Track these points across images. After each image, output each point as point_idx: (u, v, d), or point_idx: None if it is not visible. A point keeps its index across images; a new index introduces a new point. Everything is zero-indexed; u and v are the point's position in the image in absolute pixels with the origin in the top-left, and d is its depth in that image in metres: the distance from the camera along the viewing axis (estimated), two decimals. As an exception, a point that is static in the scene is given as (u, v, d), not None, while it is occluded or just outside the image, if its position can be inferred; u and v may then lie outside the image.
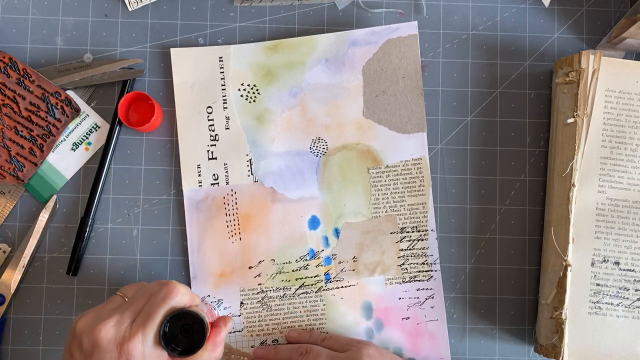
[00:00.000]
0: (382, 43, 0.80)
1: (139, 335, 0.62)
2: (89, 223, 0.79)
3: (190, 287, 0.78)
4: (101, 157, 0.79)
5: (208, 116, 0.80)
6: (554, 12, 0.83)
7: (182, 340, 0.65)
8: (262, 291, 0.79)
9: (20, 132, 0.76)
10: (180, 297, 0.66)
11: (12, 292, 0.78)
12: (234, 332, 0.79)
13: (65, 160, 0.79)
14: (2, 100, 0.76)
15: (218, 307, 0.78)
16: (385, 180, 0.80)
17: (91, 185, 0.79)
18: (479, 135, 0.82)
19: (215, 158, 0.79)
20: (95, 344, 0.62)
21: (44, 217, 0.78)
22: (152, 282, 0.68)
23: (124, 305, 0.66)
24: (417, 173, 0.80)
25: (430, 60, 0.82)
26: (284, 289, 0.79)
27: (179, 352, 0.65)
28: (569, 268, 0.74)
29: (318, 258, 0.79)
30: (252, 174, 0.79)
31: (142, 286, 0.68)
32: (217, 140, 0.80)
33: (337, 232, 0.79)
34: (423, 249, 0.79)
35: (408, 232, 0.79)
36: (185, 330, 0.66)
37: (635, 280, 0.75)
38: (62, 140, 0.79)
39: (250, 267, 0.79)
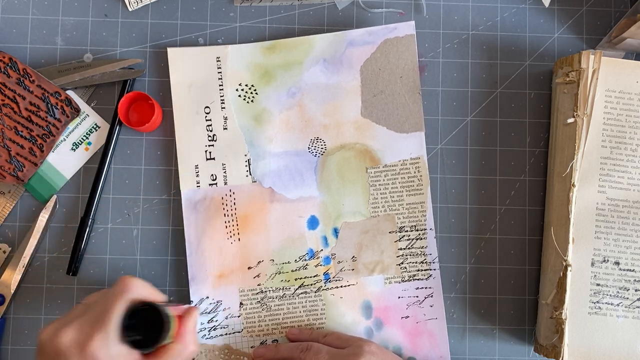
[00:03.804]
0: (380, 43, 0.80)
1: (100, 334, 0.61)
2: (89, 223, 0.79)
3: (189, 288, 0.79)
4: (101, 157, 0.79)
5: (206, 116, 0.80)
6: (554, 12, 0.83)
7: (149, 336, 0.64)
8: (262, 291, 0.79)
9: (20, 132, 0.76)
10: (136, 289, 0.65)
11: (12, 292, 0.78)
12: (233, 332, 0.79)
13: (65, 160, 0.80)
14: (2, 100, 0.76)
15: (217, 308, 0.79)
16: (383, 180, 0.80)
17: (91, 185, 0.79)
18: (479, 135, 0.82)
19: (213, 158, 0.79)
20: (58, 350, 0.61)
21: (44, 217, 0.78)
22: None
23: (84, 310, 0.65)
24: (415, 172, 0.80)
25: (430, 60, 0.82)
26: (283, 289, 0.79)
27: (144, 346, 0.64)
28: (569, 268, 0.74)
29: (317, 258, 0.79)
30: (250, 174, 0.79)
31: (104, 292, 0.67)
32: (215, 141, 0.80)
33: (336, 231, 0.79)
34: (422, 247, 0.79)
35: (407, 231, 0.79)
36: (151, 325, 0.64)
37: (635, 280, 0.75)
38: (62, 140, 0.79)
39: (249, 268, 0.79)
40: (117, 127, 0.80)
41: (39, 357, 0.64)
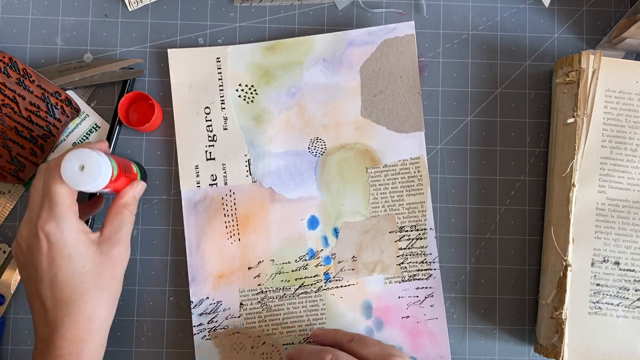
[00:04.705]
0: (380, 43, 0.80)
1: (45, 212, 0.65)
2: (90, 223, 0.79)
3: (189, 289, 0.79)
4: (101, 157, 0.79)
5: (206, 117, 0.80)
6: (554, 12, 0.83)
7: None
8: (262, 292, 0.79)
9: (20, 132, 0.76)
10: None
11: (12, 292, 0.78)
12: (234, 333, 0.79)
13: (65, 160, 0.80)
14: (2, 100, 0.76)
15: (217, 309, 0.78)
16: (383, 180, 0.80)
17: (91, 185, 0.79)
18: (479, 135, 0.82)
19: (214, 159, 0.79)
20: (20, 249, 0.68)
21: (44, 217, 0.78)
22: None
23: (28, 206, 0.69)
24: (415, 172, 0.80)
25: (430, 60, 0.82)
26: (283, 289, 0.79)
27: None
28: (569, 268, 0.74)
29: (317, 258, 0.79)
30: (250, 174, 0.79)
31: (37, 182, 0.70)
32: (215, 141, 0.80)
33: (336, 231, 0.79)
34: (422, 247, 0.79)
35: (407, 231, 0.79)
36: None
37: (635, 280, 0.75)
38: (62, 140, 0.79)
39: (249, 268, 0.79)
40: (117, 127, 0.79)
41: (21, 271, 0.69)
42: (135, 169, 0.75)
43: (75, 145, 0.77)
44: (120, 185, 0.71)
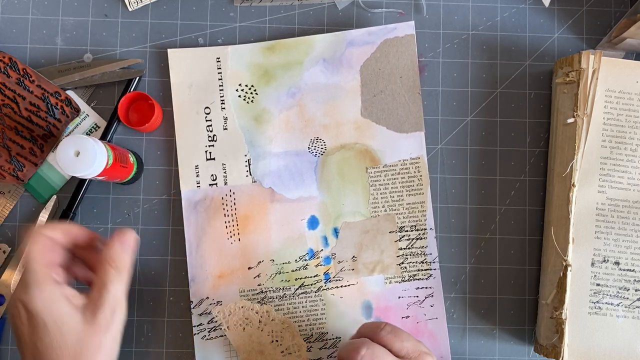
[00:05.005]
0: (380, 43, 0.80)
1: (30, 288, 0.61)
2: (73, 209, 0.79)
3: (189, 289, 0.79)
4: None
5: (206, 117, 0.80)
6: (554, 12, 0.83)
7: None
8: (262, 292, 0.79)
9: (20, 132, 0.76)
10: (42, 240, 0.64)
11: (12, 292, 0.78)
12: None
13: (65, 160, 0.80)
14: (2, 100, 0.76)
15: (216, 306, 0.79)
16: (383, 180, 0.80)
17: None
18: (479, 135, 0.82)
19: (214, 159, 0.79)
20: (15, 324, 0.63)
21: (43, 217, 0.78)
22: None
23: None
24: (415, 172, 0.80)
25: (430, 60, 0.82)
26: (283, 289, 0.79)
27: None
28: (569, 268, 0.74)
29: (317, 258, 0.79)
30: (250, 174, 0.79)
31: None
32: (215, 141, 0.80)
33: (336, 231, 0.79)
34: (422, 247, 0.79)
35: (407, 231, 0.79)
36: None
37: (635, 280, 0.75)
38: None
39: (249, 268, 0.79)
40: (115, 124, 0.79)
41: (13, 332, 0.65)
42: (132, 159, 0.76)
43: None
44: (116, 173, 0.72)
